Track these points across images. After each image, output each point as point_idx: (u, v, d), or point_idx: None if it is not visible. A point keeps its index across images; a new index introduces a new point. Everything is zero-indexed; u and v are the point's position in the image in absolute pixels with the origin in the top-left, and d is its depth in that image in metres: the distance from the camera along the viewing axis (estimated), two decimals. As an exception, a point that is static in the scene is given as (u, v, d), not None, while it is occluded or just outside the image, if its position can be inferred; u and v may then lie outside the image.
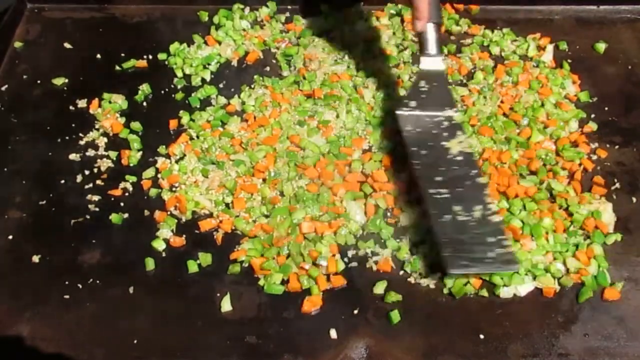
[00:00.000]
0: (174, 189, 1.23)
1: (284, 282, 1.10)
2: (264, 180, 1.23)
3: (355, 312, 1.07)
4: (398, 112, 1.24)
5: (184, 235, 1.17)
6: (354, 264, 1.13)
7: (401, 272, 1.12)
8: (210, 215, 1.19)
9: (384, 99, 1.36)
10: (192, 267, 1.12)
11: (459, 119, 1.23)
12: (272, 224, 1.16)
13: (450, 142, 1.19)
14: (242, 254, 1.13)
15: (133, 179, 1.24)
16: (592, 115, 1.35)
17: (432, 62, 1.22)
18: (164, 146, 1.30)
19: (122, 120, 1.35)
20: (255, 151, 1.26)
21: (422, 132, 1.21)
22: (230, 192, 1.21)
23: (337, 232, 1.15)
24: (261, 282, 1.10)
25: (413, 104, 1.23)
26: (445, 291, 1.08)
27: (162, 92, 1.41)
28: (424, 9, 1.16)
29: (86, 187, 1.24)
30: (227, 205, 1.20)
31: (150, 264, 1.12)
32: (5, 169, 1.27)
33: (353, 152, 1.27)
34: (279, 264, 1.11)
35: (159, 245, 1.15)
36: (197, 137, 1.31)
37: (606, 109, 1.37)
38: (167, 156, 1.28)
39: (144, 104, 1.40)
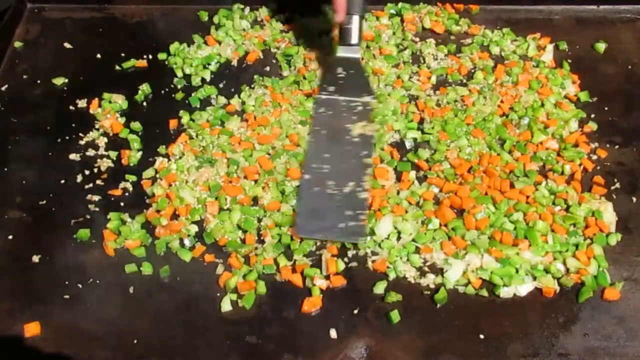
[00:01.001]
0: (170, 188, 1.22)
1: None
2: (255, 181, 1.22)
3: (355, 312, 1.07)
4: (317, 96, 1.29)
5: (184, 235, 1.17)
6: (354, 264, 1.13)
7: (401, 272, 1.12)
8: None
9: (383, 99, 1.36)
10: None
11: (374, 106, 1.28)
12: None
13: (355, 125, 1.24)
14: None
15: (133, 178, 1.24)
16: (592, 115, 1.35)
17: (350, 50, 1.28)
18: (163, 146, 1.30)
19: (122, 120, 1.35)
20: (253, 150, 1.26)
21: (332, 115, 1.26)
22: (212, 194, 1.20)
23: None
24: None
25: (332, 88, 1.28)
26: (444, 292, 1.08)
27: (162, 92, 1.41)
28: (341, 2, 1.23)
29: (86, 187, 1.24)
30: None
31: (150, 264, 1.12)
32: (5, 169, 1.27)
33: None
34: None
35: (159, 245, 1.15)
36: (197, 136, 1.31)
37: (606, 109, 1.37)
38: (167, 156, 1.28)
39: (144, 104, 1.40)
